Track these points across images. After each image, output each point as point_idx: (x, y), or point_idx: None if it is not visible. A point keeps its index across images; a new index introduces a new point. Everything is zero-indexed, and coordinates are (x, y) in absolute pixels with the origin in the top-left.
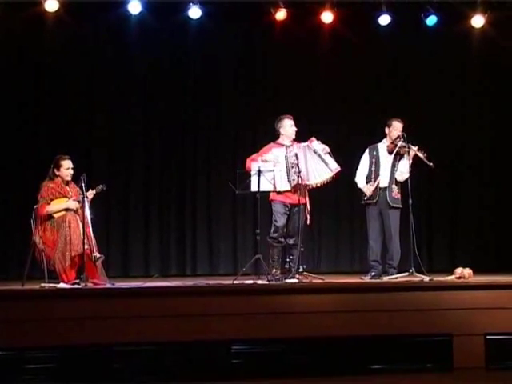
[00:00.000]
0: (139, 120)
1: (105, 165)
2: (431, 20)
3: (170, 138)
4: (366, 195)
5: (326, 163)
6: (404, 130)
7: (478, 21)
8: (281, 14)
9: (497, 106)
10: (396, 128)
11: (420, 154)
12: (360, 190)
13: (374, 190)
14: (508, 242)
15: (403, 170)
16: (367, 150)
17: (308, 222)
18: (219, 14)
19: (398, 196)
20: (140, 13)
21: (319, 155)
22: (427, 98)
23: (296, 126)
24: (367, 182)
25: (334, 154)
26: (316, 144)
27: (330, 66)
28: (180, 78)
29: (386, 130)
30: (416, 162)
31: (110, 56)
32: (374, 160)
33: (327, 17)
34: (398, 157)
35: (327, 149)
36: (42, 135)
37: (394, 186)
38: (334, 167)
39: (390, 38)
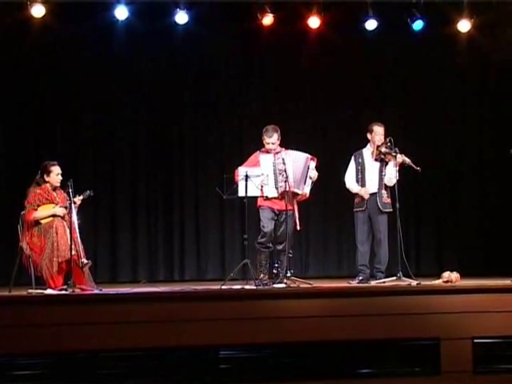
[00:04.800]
0: (126, 124)
1: (91, 170)
2: (418, 25)
3: (157, 146)
4: (358, 201)
5: (304, 182)
6: (389, 133)
7: (464, 25)
8: (267, 20)
9: (485, 109)
10: (377, 133)
11: (406, 160)
12: (354, 194)
13: (361, 197)
14: (495, 246)
15: (391, 176)
16: (352, 157)
17: (298, 228)
18: (207, 18)
19: (388, 200)
20: (127, 18)
21: (306, 175)
22: (415, 101)
23: (283, 132)
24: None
25: (323, 157)
26: (313, 165)
27: (318, 70)
28: (168, 80)
29: (368, 135)
30: (403, 166)
31: (96, 59)
32: (359, 167)
33: (314, 21)
34: (385, 162)
35: (315, 177)
36: (28, 140)
37: (383, 191)
38: (305, 192)
39: (377, 42)
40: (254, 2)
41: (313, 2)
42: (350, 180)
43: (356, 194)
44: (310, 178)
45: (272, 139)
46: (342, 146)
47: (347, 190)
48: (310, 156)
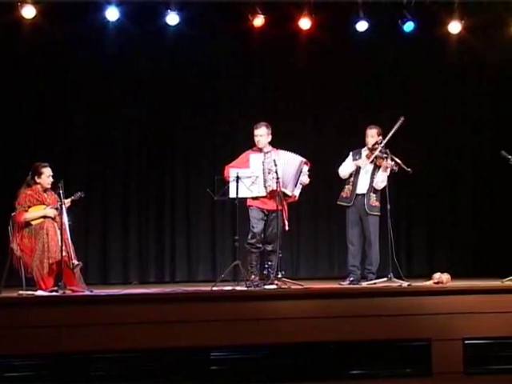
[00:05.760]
0: (118, 125)
1: (82, 171)
2: (408, 26)
3: (149, 146)
4: (345, 195)
5: (294, 185)
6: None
7: (454, 27)
8: (258, 21)
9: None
10: (368, 135)
11: (394, 167)
12: (342, 186)
13: (350, 193)
14: (486, 247)
15: (379, 180)
16: (351, 154)
17: (287, 228)
18: (198, 19)
19: (377, 204)
20: (118, 19)
21: (298, 178)
22: (406, 104)
23: (274, 131)
24: (345, 185)
25: (315, 158)
26: (305, 169)
27: (310, 71)
28: (160, 81)
29: (366, 138)
30: (392, 171)
31: (88, 60)
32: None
33: (305, 23)
34: (377, 166)
35: (307, 182)
36: (19, 141)
37: (372, 193)
38: (295, 194)
39: (368, 43)
40: (244, 3)
41: (303, 4)
42: (345, 167)
43: (343, 188)
44: (301, 183)
45: (259, 131)
46: (335, 146)
47: (338, 189)
48: (304, 160)
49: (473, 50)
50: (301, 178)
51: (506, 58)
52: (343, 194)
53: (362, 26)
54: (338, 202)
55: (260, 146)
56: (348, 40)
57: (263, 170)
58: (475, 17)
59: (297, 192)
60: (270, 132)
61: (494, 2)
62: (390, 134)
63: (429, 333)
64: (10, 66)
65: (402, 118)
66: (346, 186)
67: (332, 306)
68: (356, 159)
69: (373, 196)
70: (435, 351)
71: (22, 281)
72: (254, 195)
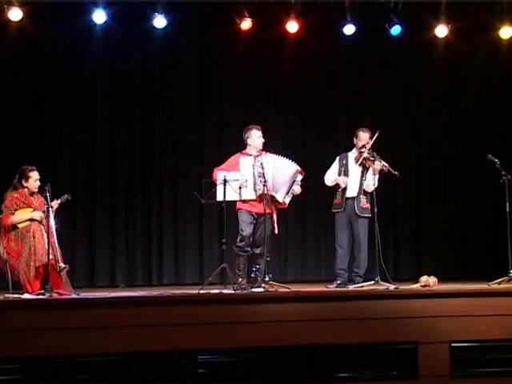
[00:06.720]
0: (105, 128)
1: (69, 174)
2: (395, 30)
3: (136, 149)
4: (337, 202)
5: (286, 193)
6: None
7: (441, 31)
8: (246, 24)
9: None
10: (361, 138)
11: (385, 164)
12: (332, 194)
13: (340, 198)
14: (472, 251)
15: (369, 183)
16: (337, 158)
17: (276, 232)
18: (186, 22)
19: (367, 206)
20: (105, 22)
21: (290, 186)
22: (393, 108)
23: (263, 135)
24: (336, 190)
25: (303, 160)
26: (299, 178)
27: (295, 74)
28: (146, 84)
29: (354, 140)
30: (382, 173)
31: (76, 62)
32: (343, 169)
33: (292, 26)
34: (366, 168)
35: (298, 192)
36: (5, 144)
37: (362, 196)
38: (285, 201)
39: (355, 47)
40: (232, 3)
41: (291, 6)
42: (329, 174)
43: (335, 195)
44: (293, 192)
45: (261, 132)
46: (324, 150)
47: (326, 192)
48: (299, 169)
49: (460, 52)
50: (293, 187)
51: (494, 60)
52: (335, 201)
53: (349, 29)
54: (333, 210)
55: (261, 148)
56: (336, 42)
57: (253, 173)
58: (462, 20)
59: (287, 200)
60: None
61: (479, 3)
62: (368, 147)
63: (415, 336)
64: None
65: (378, 132)
66: (337, 192)
67: (319, 309)
68: (343, 164)
69: (363, 198)
70: (422, 354)
71: (8, 284)
72: (243, 198)
